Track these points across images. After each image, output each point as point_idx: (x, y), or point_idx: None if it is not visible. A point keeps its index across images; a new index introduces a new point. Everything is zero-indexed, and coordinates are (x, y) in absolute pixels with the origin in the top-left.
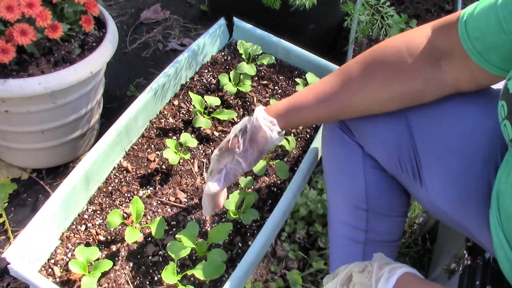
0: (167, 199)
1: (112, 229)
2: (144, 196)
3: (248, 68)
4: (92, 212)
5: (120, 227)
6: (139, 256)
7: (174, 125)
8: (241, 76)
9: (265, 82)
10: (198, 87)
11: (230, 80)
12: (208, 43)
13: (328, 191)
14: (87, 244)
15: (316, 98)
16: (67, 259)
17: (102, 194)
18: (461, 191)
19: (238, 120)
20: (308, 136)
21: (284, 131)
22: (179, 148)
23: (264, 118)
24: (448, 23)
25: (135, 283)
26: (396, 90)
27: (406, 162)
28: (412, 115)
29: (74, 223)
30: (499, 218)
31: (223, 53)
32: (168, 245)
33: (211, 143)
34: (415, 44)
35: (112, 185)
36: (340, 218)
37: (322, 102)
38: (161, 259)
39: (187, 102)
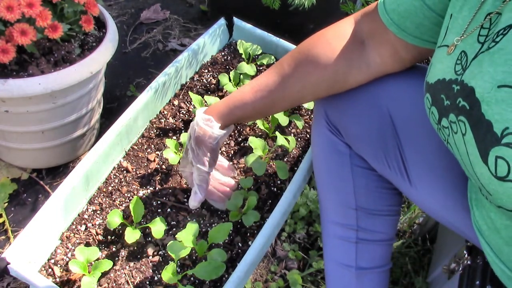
0: (167, 199)
1: (112, 229)
2: (144, 196)
3: (248, 68)
4: (92, 212)
5: (120, 227)
6: (139, 256)
7: (174, 125)
8: (241, 76)
9: None
10: (198, 87)
11: (230, 80)
12: (208, 43)
13: (319, 192)
14: (87, 244)
15: (252, 92)
16: (67, 259)
17: (102, 194)
18: (448, 191)
19: None
20: (308, 136)
21: (232, 125)
22: (179, 148)
23: (202, 118)
24: (369, 10)
25: (135, 283)
26: (323, 72)
27: (393, 160)
28: (395, 110)
29: (74, 223)
30: (476, 225)
31: (223, 53)
32: (168, 245)
33: None
34: (340, 31)
35: (112, 185)
36: (331, 218)
37: (258, 95)
38: (161, 259)
39: (187, 102)
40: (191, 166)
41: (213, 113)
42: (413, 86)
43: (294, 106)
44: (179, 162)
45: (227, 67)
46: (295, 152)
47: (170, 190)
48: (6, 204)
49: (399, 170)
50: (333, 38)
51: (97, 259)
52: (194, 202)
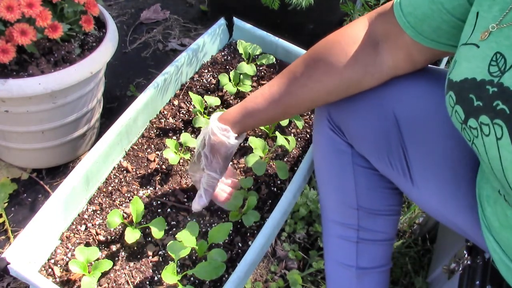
0: (167, 199)
1: (112, 229)
2: (144, 196)
3: (248, 68)
4: (92, 212)
5: (120, 227)
6: (139, 256)
7: (174, 125)
8: (241, 76)
9: (264, 82)
10: (198, 87)
11: (230, 80)
12: (208, 42)
13: (320, 191)
14: (87, 244)
15: (265, 100)
16: (67, 259)
17: (102, 194)
18: (451, 191)
19: None
20: (308, 136)
21: (244, 133)
22: (179, 148)
23: (218, 128)
24: (384, 10)
25: (135, 283)
26: (338, 80)
27: (396, 160)
28: (400, 110)
29: (74, 223)
30: (485, 222)
31: (223, 53)
32: (168, 245)
33: None
34: (353, 34)
35: (112, 185)
36: (332, 217)
37: (271, 103)
38: (161, 259)
39: (187, 102)
40: (201, 172)
41: (228, 122)
42: (419, 87)
43: (305, 112)
44: (179, 163)
45: (227, 67)
46: (295, 152)
47: (170, 190)
48: (6, 204)
49: (402, 170)
50: (347, 43)
51: (97, 259)
52: (197, 205)
